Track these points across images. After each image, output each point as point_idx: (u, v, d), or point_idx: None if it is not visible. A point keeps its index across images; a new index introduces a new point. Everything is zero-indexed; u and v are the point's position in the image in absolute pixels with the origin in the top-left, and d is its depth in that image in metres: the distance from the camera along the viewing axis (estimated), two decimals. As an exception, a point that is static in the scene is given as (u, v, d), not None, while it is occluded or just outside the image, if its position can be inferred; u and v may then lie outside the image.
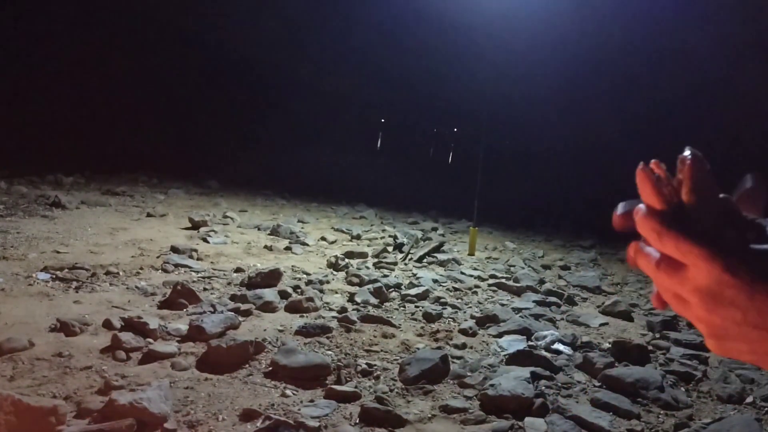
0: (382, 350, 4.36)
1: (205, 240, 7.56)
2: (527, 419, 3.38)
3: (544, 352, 4.53)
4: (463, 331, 4.98)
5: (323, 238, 8.73)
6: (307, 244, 8.15)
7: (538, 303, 6.15)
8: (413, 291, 5.98)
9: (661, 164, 0.54)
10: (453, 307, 5.72)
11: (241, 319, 4.60)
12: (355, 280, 6.26)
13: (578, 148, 22.79)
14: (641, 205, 0.54)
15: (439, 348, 4.43)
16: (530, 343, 4.82)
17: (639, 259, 0.55)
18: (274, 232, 8.60)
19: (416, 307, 5.59)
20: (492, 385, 3.63)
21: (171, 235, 7.65)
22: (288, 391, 3.49)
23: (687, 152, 0.52)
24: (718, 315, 0.50)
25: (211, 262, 6.47)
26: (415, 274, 6.94)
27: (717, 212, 0.51)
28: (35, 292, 4.74)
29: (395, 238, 9.10)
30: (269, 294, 5.18)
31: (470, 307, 5.88)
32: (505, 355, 4.45)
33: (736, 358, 0.53)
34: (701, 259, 0.49)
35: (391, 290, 6.00)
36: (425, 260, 7.91)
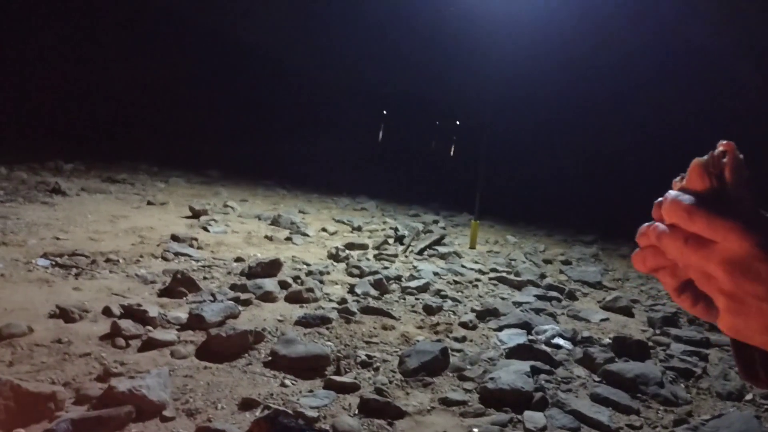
0: (381, 342, 4.35)
1: (205, 229, 7.55)
2: (526, 413, 3.38)
3: (544, 347, 4.52)
4: (464, 324, 4.98)
5: (324, 229, 8.71)
6: (308, 235, 8.13)
7: (539, 297, 6.15)
8: (413, 283, 5.97)
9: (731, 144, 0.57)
10: (453, 300, 5.71)
11: (240, 308, 4.59)
12: (356, 271, 6.25)
13: (582, 143, 22.72)
14: (669, 191, 0.58)
15: (438, 341, 4.42)
16: (530, 337, 4.81)
17: (663, 238, 0.57)
18: (275, 222, 8.59)
19: (416, 299, 5.58)
20: (491, 379, 3.62)
21: (171, 224, 7.63)
22: (287, 381, 3.49)
23: (724, 141, 0.57)
24: (742, 288, 0.52)
25: (212, 251, 6.46)
26: (415, 267, 6.93)
27: (750, 195, 0.55)
28: (35, 278, 4.73)
29: (396, 230, 9.08)
30: (269, 284, 5.17)
31: (470, 300, 5.87)
32: (505, 349, 4.45)
33: (746, 339, 0.54)
34: (734, 232, 0.52)
35: (391, 282, 5.99)
36: (426, 253, 7.89)
